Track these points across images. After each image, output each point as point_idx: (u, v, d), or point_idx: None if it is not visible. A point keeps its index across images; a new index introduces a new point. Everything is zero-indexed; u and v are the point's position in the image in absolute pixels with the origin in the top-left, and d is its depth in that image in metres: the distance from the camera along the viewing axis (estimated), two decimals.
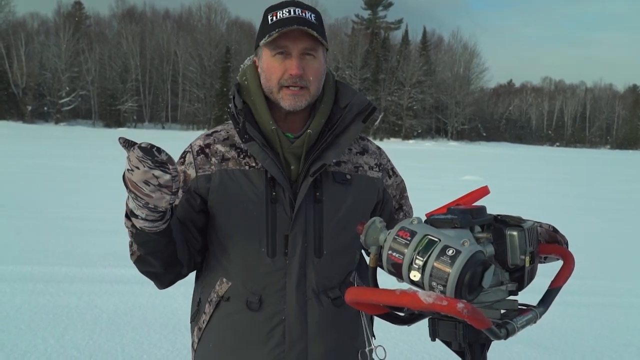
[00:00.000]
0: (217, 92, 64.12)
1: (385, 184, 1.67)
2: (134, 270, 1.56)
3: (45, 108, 60.63)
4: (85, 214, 8.76)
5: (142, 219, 1.32)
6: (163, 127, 65.39)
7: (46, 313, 4.43)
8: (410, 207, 1.77)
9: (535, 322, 1.19)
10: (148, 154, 1.19)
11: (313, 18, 1.52)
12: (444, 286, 1.05)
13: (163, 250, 1.44)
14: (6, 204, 9.25)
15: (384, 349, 1.52)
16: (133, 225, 1.37)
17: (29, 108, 58.18)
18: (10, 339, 3.90)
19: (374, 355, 1.58)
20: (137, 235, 1.39)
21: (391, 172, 1.70)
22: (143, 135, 44.00)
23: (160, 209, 1.30)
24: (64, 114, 61.47)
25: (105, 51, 65.24)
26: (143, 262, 1.49)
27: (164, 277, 1.55)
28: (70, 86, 60.98)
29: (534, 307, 1.22)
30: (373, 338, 1.67)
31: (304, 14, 1.50)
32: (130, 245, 1.47)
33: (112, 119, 62.57)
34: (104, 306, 4.65)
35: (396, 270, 1.12)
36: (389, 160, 1.72)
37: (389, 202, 1.68)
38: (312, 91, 1.52)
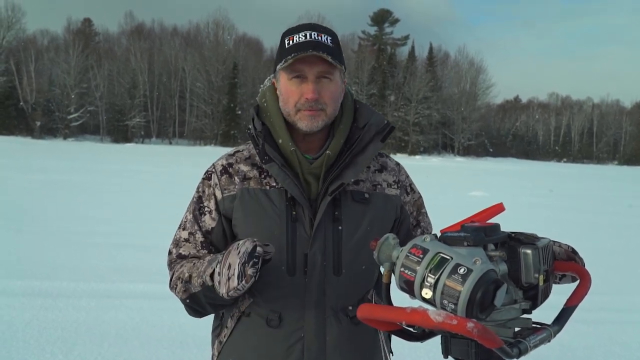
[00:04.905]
0: (224, 108, 64.34)
1: (403, 201, 1.67)
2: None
3: (54, 124, 61.03)
4: (94, 228, 8.78)
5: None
6: (170, 143, 65.65)
7: (55, 328, 4.44)
8: (429, 223, 1.76)
9: (549, 341, 1.18)
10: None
11: (329, 41, 1.53)
12: (455, 304, 1.04)
13: (225, 305, 1.54)
14: (15, 218, 9.28)
15: None
16: (207, 288, 1.43)
17: (38, 124, 58.58)
18: (19, 354, 3.91)
19: None
20: (208, 293, 1.45)
21: (409, 188, 1.71)
22: (150, 150, 44.19)
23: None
24: (72, 130, 61.79)
25: (113, 67, 65.66)
26: (196, 303, 1.53)
27: (206, 314, 1.60)
28: (78, 102, 61.27)
29: (548, 325, 1.21)
30: (391, 354, 1.68)
31: (320, 38, 1.51)
32: (185, 283, 1.51)
33: (120, 135, 62.82)
34: (112, 321, 4.65)
35: (408, 288, 1.12)
36: (407, 177, 1.72)
37: (407, 219, 1.69)
38: (328, 113, 1.54)
